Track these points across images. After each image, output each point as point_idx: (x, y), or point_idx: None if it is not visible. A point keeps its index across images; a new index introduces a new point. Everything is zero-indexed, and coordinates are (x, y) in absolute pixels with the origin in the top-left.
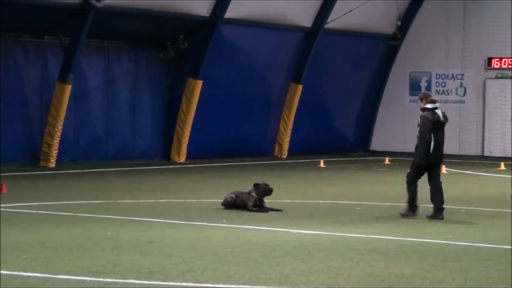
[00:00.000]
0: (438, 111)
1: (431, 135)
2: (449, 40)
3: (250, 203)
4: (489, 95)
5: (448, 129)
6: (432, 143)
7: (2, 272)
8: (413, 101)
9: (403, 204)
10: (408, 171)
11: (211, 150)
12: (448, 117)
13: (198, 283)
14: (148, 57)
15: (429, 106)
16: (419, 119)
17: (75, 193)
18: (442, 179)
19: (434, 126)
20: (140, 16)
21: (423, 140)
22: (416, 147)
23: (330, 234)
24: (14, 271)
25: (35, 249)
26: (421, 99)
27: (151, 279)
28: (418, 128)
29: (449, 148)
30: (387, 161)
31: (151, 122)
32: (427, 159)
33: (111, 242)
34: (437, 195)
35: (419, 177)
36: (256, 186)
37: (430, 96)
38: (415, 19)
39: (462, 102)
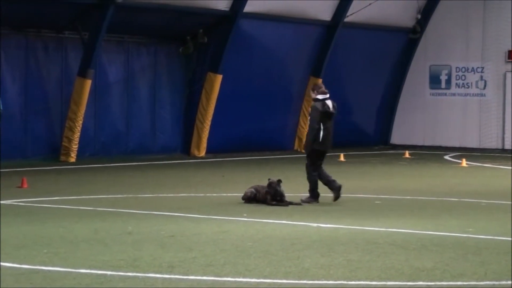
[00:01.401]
0: (329, 102)
1: (319, 124)
2: (469, 33)
3: (270, 197)
4: (509, 88)
5: (468, 122)
6: (322, 132)
7: (24, 266)
8: (433, 94)
9: (423, 198)
10: (306, 162)
11: (231, 144)
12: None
13: (218, 277)
14: (168, 52)
15: (319, 97)
16: (310, 110)
17: (96, 187)
18: (462, 172)
19: (323, 116)
20: (160, 11)
21: (311, 130)
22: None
23: (350, 227)
24: (35, 265)
25: (56, 244)
26: (313, 90)
27: (171, 273)
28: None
29: (469, 141)
30: (407, 155)
31: (171, 116)
32: (313, 147)
33: (132, 236)
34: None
35: (316, 164)
36: (268, 183)
37: (321, 87)
38: (435, 12)
39: (483, 95)
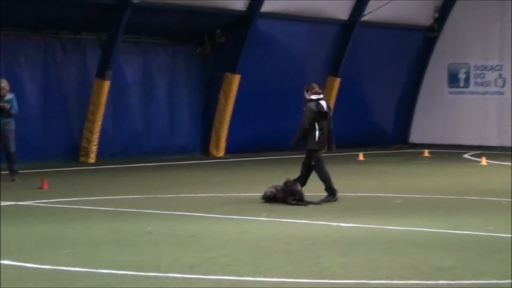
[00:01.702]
0: (322, 102)
1: (310, 124)
2: (487, 31)
3: (290, 196)
4: None
5: (487, 121)
6: (317, 132)
7: (45, 267)
8: (451, 93)
9: (443, 197)
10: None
11: (249, 144)
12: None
13: (239, 277)
14: (185, 52)
15: (313, 97)
16: (304, 110)
17: (115, 188)
18: (482, 171)
19: (318, 116)
20: (177, 11)
21: (300, 129)
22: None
23: (370, 227)
24: (57, 265)
25: (77, 244)
26: (307, 91)
27: (192, 272)
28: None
29: (488, 139)
30: (426, 154)
31: (189, 117)
32: (312, 147)
33: (152, 236)
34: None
35: (321, 160)
36: (284, 183)
37: (314, 88)
38: (452, 10)
39: (501, 93)
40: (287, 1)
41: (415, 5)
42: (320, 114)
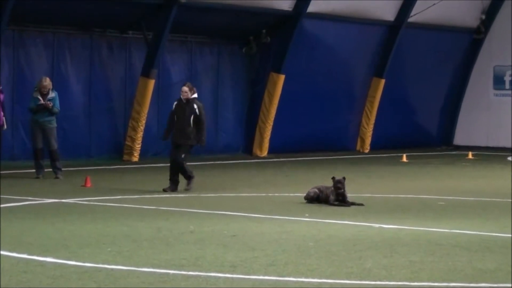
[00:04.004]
0: None
1: None
2: None
3: (333, 197)
4: None
5: None
6: None
7: (87, 265)
8: (497, 95)
9: (487, 199)
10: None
11: (293, 145)
12: None
13: (280, 277)
14: (231, 52)
15: None
16: None
17: (159, 187)
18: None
19: None
20: (223, 11)
21: None
22: None
23: (412, 228)
24: (99, 263)
25: (119, 242)
26: None
27: (233, 272)
28: None
29: None
30: (470, 156)
31: (234, 116)
32: None
33: (194, 235)
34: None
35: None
36: (333, 179)
37: None
38: (499, 12)
39: None
40: (333, 2)
41: (462, 7)
42: None
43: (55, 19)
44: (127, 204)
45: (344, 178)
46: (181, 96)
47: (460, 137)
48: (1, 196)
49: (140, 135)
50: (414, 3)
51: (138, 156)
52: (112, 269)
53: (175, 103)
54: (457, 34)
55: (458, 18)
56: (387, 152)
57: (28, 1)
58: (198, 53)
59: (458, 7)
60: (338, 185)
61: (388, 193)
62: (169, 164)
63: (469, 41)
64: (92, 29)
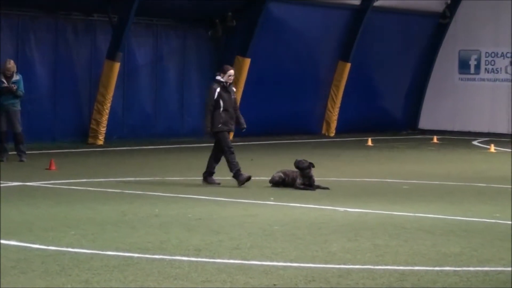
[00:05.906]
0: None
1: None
2: (499, 18)
3: (299, 180)
4: None
5: (497, 108)
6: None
7: (51, 248)
8: (462, 79)
9: (451, 183)
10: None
11: (258, 128)
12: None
13: (245, 260)
14: (196, 35)
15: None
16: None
17: (123, 170)
18: (491, 158)
19: None
20: None
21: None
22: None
23: (377, 212)
24: (63, 247)
25: (84, 226)
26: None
27: (198, 256)
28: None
29: (498, 126)
30: (435, 140)
31: (200, 99)
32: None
33: (159, 219)
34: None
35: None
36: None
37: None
38: None
39: None
40: None
41: None
42: None
43: (20, 1)
44: (91, 188)
45: (311, 164)
46: (229, 82)
47: (425, 121)
48: None
49: (105, 118)
50: None
51: (103, 140)
52: (76, 252)
53: (218, 89)
54: (423, 19)
55: (424, 2)
56: (352, 136)
57: None
58: (163, 36)
59: None
60: (307, 170)
61: (353, 177)
62: (134, 148)
63: (434, 26)
64: (57, 12)
